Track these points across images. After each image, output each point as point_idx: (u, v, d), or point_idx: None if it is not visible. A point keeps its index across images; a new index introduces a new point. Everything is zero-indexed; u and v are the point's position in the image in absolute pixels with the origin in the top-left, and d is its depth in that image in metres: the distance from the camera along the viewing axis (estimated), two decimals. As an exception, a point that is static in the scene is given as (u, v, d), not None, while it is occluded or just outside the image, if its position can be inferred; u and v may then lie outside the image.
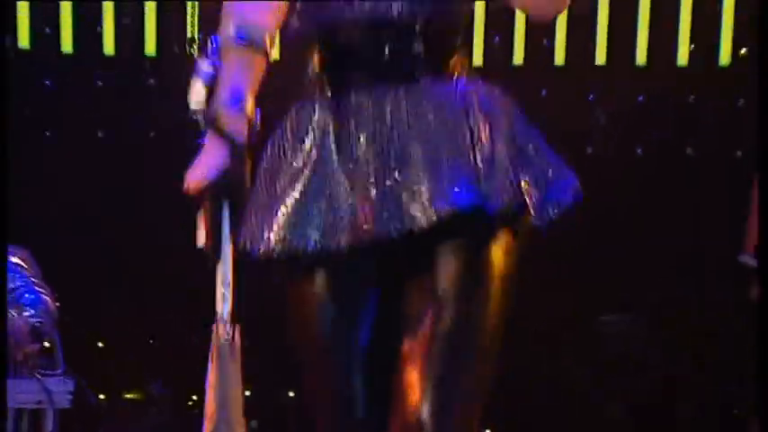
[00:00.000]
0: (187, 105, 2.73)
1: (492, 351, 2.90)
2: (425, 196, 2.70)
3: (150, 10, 8.36)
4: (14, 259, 6.17)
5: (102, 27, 8.36)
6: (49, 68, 8.37)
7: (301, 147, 2.81)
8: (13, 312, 5.98)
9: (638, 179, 8.67)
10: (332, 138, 2.77)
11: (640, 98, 8.88)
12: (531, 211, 2.81)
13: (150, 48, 8.36)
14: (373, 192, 2.73)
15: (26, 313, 5.98)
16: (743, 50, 8.65)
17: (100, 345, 6.88)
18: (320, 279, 2.86)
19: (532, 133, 2.91)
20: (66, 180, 7.53)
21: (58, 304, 6.14)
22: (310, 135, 2.81)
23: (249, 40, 2.76)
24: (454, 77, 2.88)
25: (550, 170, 2.88)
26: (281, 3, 2.89)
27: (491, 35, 8.75)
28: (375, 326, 2.87)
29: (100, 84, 8.38)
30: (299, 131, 2.83)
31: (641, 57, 8.86)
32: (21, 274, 6.13)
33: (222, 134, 2.65)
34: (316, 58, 2.85)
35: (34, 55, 8.19)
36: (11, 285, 6.09)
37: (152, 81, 8.17)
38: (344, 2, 2.81)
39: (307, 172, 2.79)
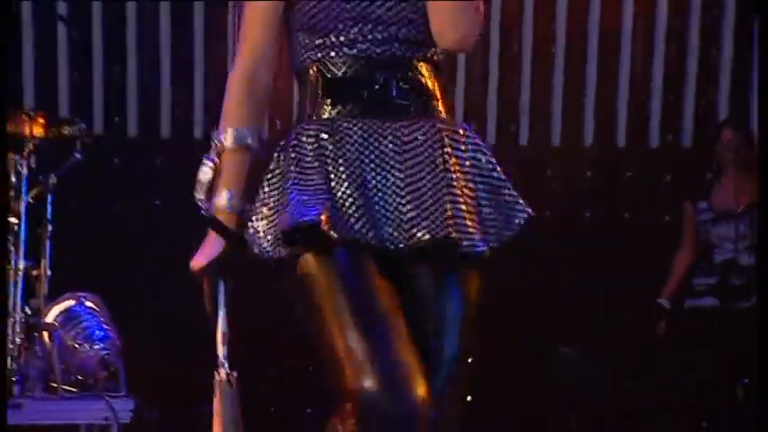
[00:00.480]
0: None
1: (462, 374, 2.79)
2: (406, 222, 2.58)
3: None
4: (88, 303, 6.22)
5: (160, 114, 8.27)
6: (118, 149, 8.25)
7: (302, 164, 2.66)
8: (86, 346, 6.05)
9: (585, 236, 8.47)
10: (329, 162, 2.63)
11: (588, 173, 8.61)
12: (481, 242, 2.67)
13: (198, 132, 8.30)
14: (370, 204, 2.60)
15: (97, 347, 6.01)
16: (670, 137, 8.46)
17: (155, 371, 6.88)
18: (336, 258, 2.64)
19: (496, 174, 2.75)
20: (129, 240, 7.64)
21: (120, 339, 6.17)
22: (310, 156, 2.66)
23: (243, 144, 2.71)
24: (438, 117, 2.73)
25: (508, 207, 2.74)
26: (267, 101, 2.85)
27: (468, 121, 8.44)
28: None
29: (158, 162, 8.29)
30: (301, 153, 2.68)
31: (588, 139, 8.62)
32: (93, 315, 6.17)
33: (217, 229, 2.70)
34: (315, 86, 2.72)
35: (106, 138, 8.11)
36: (85, 324, 6.15)
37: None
38: (344, 39, 2.68)
39: (311, 177, 2.63)
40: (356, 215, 2.58)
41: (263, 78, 2.78)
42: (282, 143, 2.75)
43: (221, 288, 2.73)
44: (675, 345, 7.32)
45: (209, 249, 2.70)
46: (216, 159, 2.72)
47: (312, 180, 2.61)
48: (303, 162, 2.64)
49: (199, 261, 2.70)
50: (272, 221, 2.68)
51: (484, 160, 2.74)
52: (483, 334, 7.45)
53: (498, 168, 2.74)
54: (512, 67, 8.44)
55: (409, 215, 2.58)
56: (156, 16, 8.15)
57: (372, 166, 2.61)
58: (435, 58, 2.76)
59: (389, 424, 2.51)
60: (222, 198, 2.70)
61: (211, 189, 2.72)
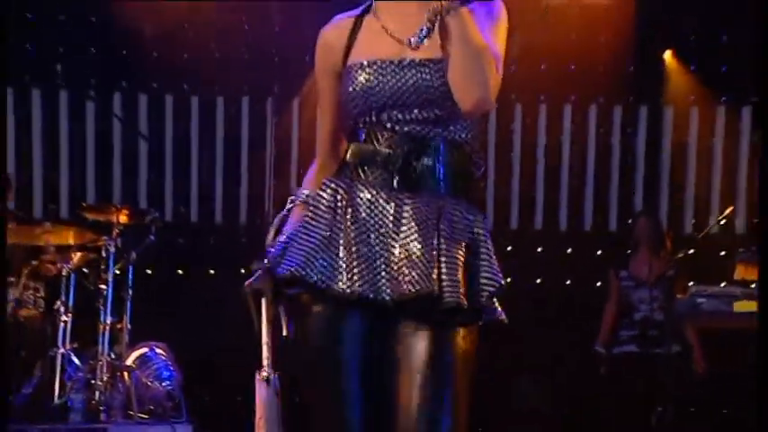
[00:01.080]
0: None
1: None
2: (397, 279, 2.32)
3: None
4: (158, 350, 6.23)
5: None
6: (182, 232, 8.22)
7: (325, 214, 2.44)
8: (156, 383, 6.04)
9: (538, 295, 8.25)
10: (348, 216, 2.40)
11: (539, 249, 8.40)
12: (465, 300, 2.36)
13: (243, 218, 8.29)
14: (365, 260, 2.36)
15: (164, 383, 6.02)
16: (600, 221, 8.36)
17: (209, 401, 6.86)
18: (324, 313, 2.45)
19: (486, 247, 2.46)
20: (190, 300, 7.60)
21: (181, 376, 6.18)
22: (332, 209, 2.44)
23: (301, 200, 2.53)
24: (444, 192, 2.43)
25: (489, 272, 2.44)
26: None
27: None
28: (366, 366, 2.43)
29: (212, 241, 8.27)
30: (318, 202, 2.46)
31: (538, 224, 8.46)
32: (161, 359, 6.17)
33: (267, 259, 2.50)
34: (348, 149, 2.49)
35: (173, 224, 8.12)
36: (155, 366, 6.15)
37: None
38: (372, 119, 2.44)
39: (327, 233, 2.42)
40: (349, 271, 2.37)
41: (332, 167, 2.55)
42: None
43: (263, 303, 2.52)
44: (608, 379, 7.17)
45: (261, 274, 2.50)
46: (286, 213, 2.56)
47: (319, 230, 2.42)
48: (318, 211, 2.45)
49: (249, 283, 2.51)
50: (278, 258, 2.49)
51: (479, 233, 2.45)
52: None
53: (489, 241, 2.48)
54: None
55: (401, 273, 2.33)
56: (212, 126, 8.28)
57: (374, 228, 2.38)
58: (456, 137, 2.47)
59: None
60: (270, 235, 2.56)
61: (277, 232, 2.56)
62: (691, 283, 6.08)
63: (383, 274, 2.34)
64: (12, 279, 6.21)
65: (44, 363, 6.06)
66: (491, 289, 2.43)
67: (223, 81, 8.13)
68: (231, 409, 6.65)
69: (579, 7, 7.84)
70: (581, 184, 8.36)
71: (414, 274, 2.33)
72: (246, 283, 2.51)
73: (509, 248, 8.20)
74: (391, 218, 2.38)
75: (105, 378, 5.92)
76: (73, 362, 6.01)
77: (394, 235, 2.37)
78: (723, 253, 6.23)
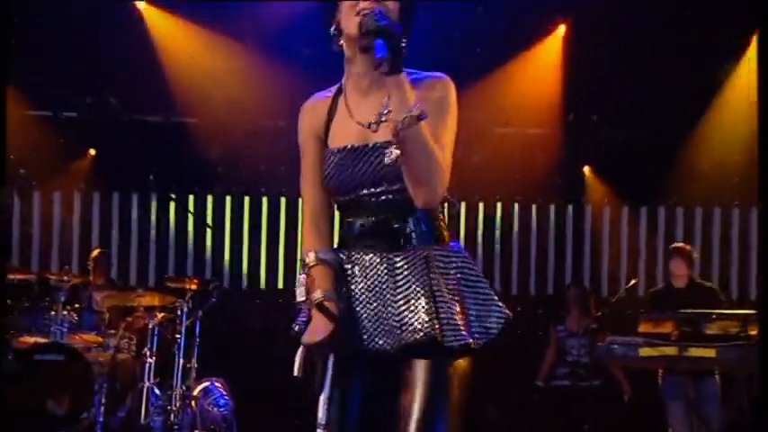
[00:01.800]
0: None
1: None
2: (397, 329, 2.05)
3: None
4: (217, 383, 6.11)
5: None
6: (237, 296, 8.16)
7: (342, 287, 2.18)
8: (215, 409, 5.94)
9: (498, 347, 8.06)
10: (354, 285, 2.15)
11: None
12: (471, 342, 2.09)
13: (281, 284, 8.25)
14: (365, 319, 2.12)
15: (221, 409, 5.93)
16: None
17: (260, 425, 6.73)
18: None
19: (479, 285, 2.18)
20: (244, 348, 7.49)
21: (235, 404, 6.11)
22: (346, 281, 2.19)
23: (320, 259, 2.14)
24: (430, 244, 2.15)
25: (484, 313, 2.15)
26: (330, 229, 2.28)
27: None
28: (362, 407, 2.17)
29: (258, 302, 8.16)
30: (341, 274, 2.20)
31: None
32: (220, 391, 6.06)
33: (322, 311, 2.07)
34: (342, 224, 2.23)
35: (231, 290, 8.09)
36: (215, 396, 6.04)
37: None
38: (354, 197, 2.15)
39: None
40: (352, 331, 2.12)
41: (320, 217, 2.25)
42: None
43: (330, 360, 2.09)
44: (544, 406, 7.12)
45: (319, 329, 2.08)
46: (305, 273, 2.16)
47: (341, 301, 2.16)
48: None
49: (313, 338, 2.08)
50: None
51: (471, 273, 2.18)
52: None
53: (483, 278, 2.21)
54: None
55: (399, 323, 2.06)
56: (258, 220, 8.26)
57: (370, 288, 2.11)
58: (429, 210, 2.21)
59: None
60: (317, 293, 2.10)
61: (308, 292, 2.14)
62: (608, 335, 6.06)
63: (388, 327, 2.07)
64: (112, 331, 6.18)
65: (134, 393, 5.98)
66: (502, 321, 2.16)
67: (266, 185, 8.16)
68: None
69: (522, 136, 8.02)
70: (527, 260, 8.34)
71: (416, 323, 2.05)
72: (312, 337, 2.10)
73: None
74: (385, 276, 2.10)
75: (178, 405, 5.85)
76: (155, 392, 5.90)
77: (392, 290, 2.09)
78: (629, 312, 6.19)
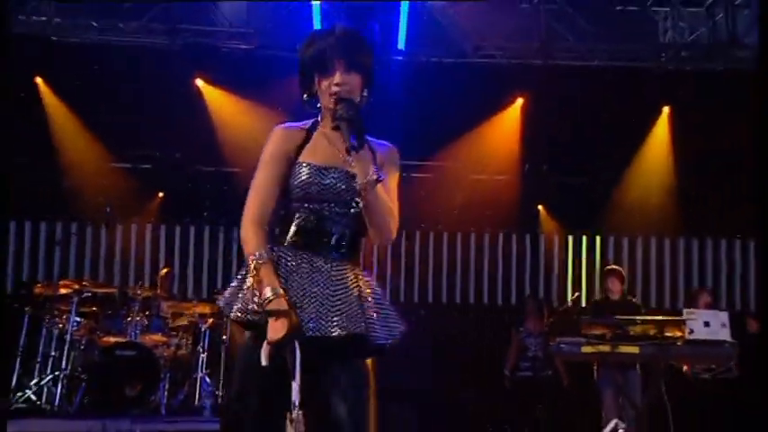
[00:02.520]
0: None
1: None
2: (330, 324, 1.89)
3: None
4: None
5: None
6: None
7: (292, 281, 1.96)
8: None
9: (475, 347, 7.87)
10: (286, 275, 1.93)
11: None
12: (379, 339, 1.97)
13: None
14: (311, 310, 1.89)
15: None
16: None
17: None
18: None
19: (385, 302, 2.03)
20: None
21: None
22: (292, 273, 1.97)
23: (265, 259, 1.89)
24: (355, 262, 2.02)
25: (392, 319, 2.01)
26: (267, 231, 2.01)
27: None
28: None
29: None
30: (288, 270, 1.98)
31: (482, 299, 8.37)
32: None
33: (282, 312, 1.83)
34: (288, 225, 2.01)
35: None
36: None
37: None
38: (310, 206, 1.99)
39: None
40: (307, 314, 1.91)
41: (266, 221, 2.00)
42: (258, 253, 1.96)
43: (297, 348, 1.84)
44: (511, 391, 7.02)
45: (278, 326, 1.83)
46: (254, 271, 1.90)
47: (291, 293, 1.93)
48: (289, 277, 1.97)
49: (276, 335, 1.82)
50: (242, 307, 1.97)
51: (379, 292, 2.04)
52: (424, 379, 6.71)
53: (386, 297, 2.07)
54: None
55: (333, 320, 1.89)
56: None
57: (313, 286, 1.92)
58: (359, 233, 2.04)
59: None
60: (268, 292, 1.85)
61: (257, 295, 1.89)
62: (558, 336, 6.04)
63: (320, 322, 1.89)
64: (173, 333, 6.17)
65: (190, 381, 6.02)
66: (397, 332, 2.02)
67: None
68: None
69: (491, 181, 7.98)
70: (495, 277, 8.26)
71: (344, 320, 1.90)
72: (275, 335, 1.83)
73: (456, 316, 8.06)
74: (326, 276, 1.94)
75: (223, 391, 5.86)
76: (206, 381, 5.90)
77: (332, 289, 1.93)
78: (574, 318, 6.18)
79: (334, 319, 1.90)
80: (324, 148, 2.04)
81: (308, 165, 2.02)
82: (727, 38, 7.44)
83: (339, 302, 1.93)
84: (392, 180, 2.08)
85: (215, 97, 7.48)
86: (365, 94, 2.09)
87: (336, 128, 1.99)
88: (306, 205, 2.01)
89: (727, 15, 7.45)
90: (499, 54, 7.78)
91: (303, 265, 1.96)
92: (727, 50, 7.47)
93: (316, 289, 1.94)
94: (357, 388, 1.97)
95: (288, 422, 1.81)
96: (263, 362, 1.84)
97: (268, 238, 1.99)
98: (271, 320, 1.85)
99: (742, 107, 7.38)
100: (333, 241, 2.00)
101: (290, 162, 2.03)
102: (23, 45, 7.24)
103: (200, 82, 7.52)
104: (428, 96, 7.57)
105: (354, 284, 1.99)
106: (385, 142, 2.15)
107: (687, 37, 7.69)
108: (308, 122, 2.12)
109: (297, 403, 1.82)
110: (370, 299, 2.00)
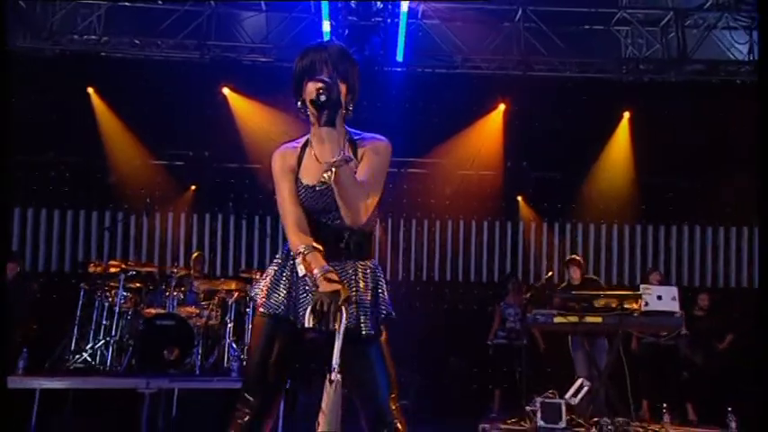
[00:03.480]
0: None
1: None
2: (327, 321, 1.83)
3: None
4: None
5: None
6: None
7: (282, 275, 1.99)
8: None
9: (463, 317, 7.81)
10: (294, 277, 1.94)
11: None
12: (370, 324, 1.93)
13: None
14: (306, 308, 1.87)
15: None
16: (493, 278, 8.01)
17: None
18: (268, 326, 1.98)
19: (381, 283, 2.01)
20: None
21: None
22: (287, 272, 1.98)
23: (309, 250, 1.89)
24: (361, 259, 1.99)
25: (382, 306, 1.98)
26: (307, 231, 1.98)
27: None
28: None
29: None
30: (281, 268, 2.01)
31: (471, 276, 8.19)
32: None
33: (327, 278, 1.84)
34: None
35: None
36: None
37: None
38: (315, 218, 1.97)
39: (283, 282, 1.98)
40: (302, 311, 1.92)
41: (303, 225, 1.97)
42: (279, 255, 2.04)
43: (343, 315, 1.81)
44: (494, 357, 6.99)
45: (330, 288, 1.84)
46: (302, 258, 1.88)
47: (283, 287, 1.97)
48: (279, 274, 2.00)
49: (326, 301, 1.82)
50: (262, 295, 2.01)
51: (378, 278, 2.00)
52: (418, 345, 6.69)
53: (385, 287, 2.02)
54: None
55: (330, 317, 1.84)
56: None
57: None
58: (368, 229, 2.02)
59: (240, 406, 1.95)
60: (318, 269, 1.86)
61: (308, 270, 1.88)
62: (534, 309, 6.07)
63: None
64: (205, 305, 6.08)
65: (219, 347, 5.91)
66: (385, 313, 1.98)
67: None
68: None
69: (477, 176, 7.91)
70: (481, 258, 8.12)
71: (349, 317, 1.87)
72: (330, 302, 1.82)
73: (447, 291, 8.05)
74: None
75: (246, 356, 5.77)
76: (233, 346, 5.83)
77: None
78: (547, 293, 6.22)
79: (330, 316, 1.83)
80: (313, 167, 1.97)
81: (305, 186, 2.00)
82: (678, 53, 7.54)
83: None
84: (367, 165, 1.96)
85: (239, 103, 7.48)
86: (350, 107, 1.99)
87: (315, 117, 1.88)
88: (311, 216, 1.98)
89: (677, 34, 7.54)
90: (484, 65, 7.88)
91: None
92: (679, 64, 7.58)
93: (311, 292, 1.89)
94: (377, 383, 1.92)
95: (327, 383, 1.74)
96: (308, 324, 1.80)
97: (307, 236, 1.96)
98: (322, 286, 1.83)
99: (691, 112, 7.52)
100: (342, 244, 1.97)
101: (295, 175, 2.02)
102: (77, 61, 7.43)
103: (226, 90, 7.55)
104: (423, 102, 7.69)
105: (354, 283, 1.95)
106: (377, 136, 2.04)
107: (645, 52, 7.77)
108: (301, 140, 2.06)
109: (336, 365, 1.75)
110: (363, 294, 1.94)
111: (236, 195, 7.91)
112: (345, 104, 1.97)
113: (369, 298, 1.97)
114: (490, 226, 8.18)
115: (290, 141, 2.07)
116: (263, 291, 2.01)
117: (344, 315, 1.82)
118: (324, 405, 1.72)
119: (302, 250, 1.92)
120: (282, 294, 1.97)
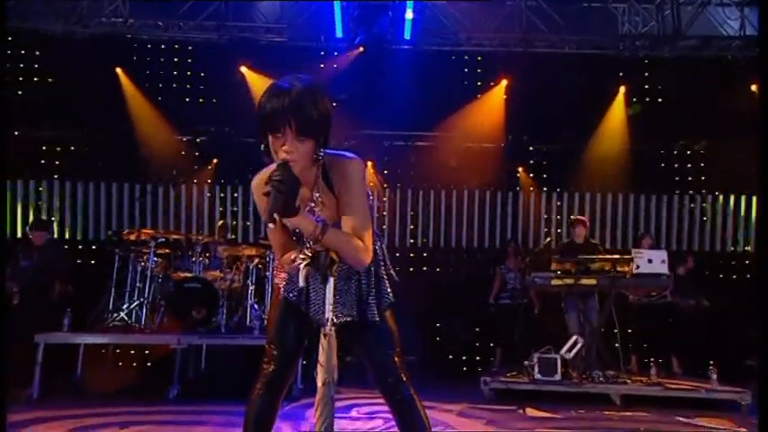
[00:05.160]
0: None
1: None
2: (345, 309, 1.85)
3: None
4: None
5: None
6: None
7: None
8: None
9: (467, 280, 7.76)
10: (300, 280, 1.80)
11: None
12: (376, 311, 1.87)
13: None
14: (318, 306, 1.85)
15: None
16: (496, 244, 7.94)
17: None
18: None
19: (384, 268, 1.93)
20: None
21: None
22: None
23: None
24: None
25: (384, 293, 1.89)
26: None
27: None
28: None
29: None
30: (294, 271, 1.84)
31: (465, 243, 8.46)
32: None
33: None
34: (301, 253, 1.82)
35: None
36: None
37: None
38: (303, 240, 1.82)
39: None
40: (313, 306, 1.88)
41: (287, 256, 1.80)
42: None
43: (330, 281, 1.74)
44: (495, 316, 6.97)
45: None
46: (301, 258, 1.78)
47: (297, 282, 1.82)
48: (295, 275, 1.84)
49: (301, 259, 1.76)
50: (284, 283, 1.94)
51: (382, 272, 1.92)
52: (424, 305, 6.77)
53: (386, 266, 1.95)
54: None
55: (337, 306, 1.80)
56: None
57: (320, 284, 1.82)
58: None
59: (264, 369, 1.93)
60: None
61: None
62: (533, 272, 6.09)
63: (323, 309, 1.78)
64: (228, 270, 5.99)
65: (242, 307, 5.76)
66: (388, 300, 1.92)
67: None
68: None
69: (480, 149, 7.86)
70: (483, 225, 8.10)
71: (344, 310, 1.85)
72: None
73: (451, 256, 8.05)
74: (330, 281, 1.76)
75: (267, 316, 5.79)
76: (254, 307, 5.77)
77: (339, 290, 1.83)
78: (546, 258, 6.24)
79: (336, 307, 1.77)
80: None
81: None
82: (673, 30, 7.39)
83: (338, 296, 1.81)
84: (348, 195, 1.78)
85: (256, 81, 7.37)
86: (319, 154, 1.74)
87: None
88: (297, 240, 1.86)
89: (672, 11, 7.38)
90: (487, 43, 7.77)
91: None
92: (673, 40, 7.43)
93: (321, 288, 1.81)
94: (380, 343, 1.91)
95: (322, 337, 1.71)
96: (301, 283, 1.78)
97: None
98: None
99: (684, 86, 7.42)
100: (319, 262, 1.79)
101: None
102: (105, 43, 7.41)
103: (244, 69, 7.48)
104: (429, 78, 7.59)
105: (355, 276, 1.87)
106: (345, 154, 1.82)
107: (641, 29, 7.62)
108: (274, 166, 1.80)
109: (329, 321, 1.72)
110: (365, 285, 1.88)
111: (254, 168, 7.87)
112: (315, 153, 1.73)
113: (372, 294, 1.89)
114: (492, 195, 8.10)
115: (268, 167, 1.81)
116: (284, 281, 1.94)
117: (331, 281, 1.73)
118: (321, 358, 1.69)
119: (295, 257, 1.79)
120: (299, 288, 1.88)
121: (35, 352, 4.82)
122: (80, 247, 7.51)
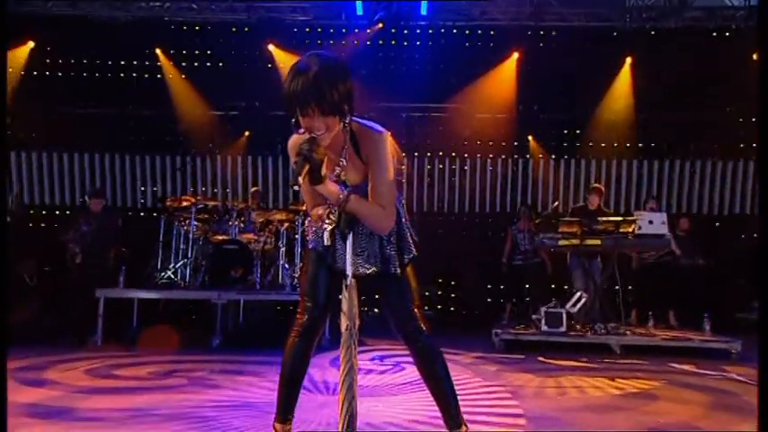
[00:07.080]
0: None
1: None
2: (368, 262, 1.86)
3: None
4: None
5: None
6: None
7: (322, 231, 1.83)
8: None
9: (482, 240, 7.89)
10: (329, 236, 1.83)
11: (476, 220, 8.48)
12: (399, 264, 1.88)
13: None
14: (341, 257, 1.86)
15: None
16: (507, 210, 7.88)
17: None
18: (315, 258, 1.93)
19: (405, 230, 1.92)
20: None
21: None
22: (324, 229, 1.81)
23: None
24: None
25: (406, 249, 1.89)
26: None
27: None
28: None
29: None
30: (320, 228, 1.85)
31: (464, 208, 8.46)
32: None
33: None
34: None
35: None
36: None
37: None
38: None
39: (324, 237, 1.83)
40: (339, 259, 1.87)
41: (315, 210, 1.86)
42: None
43: (351, 234, 1.81)
44: (508, 276, 6.91)
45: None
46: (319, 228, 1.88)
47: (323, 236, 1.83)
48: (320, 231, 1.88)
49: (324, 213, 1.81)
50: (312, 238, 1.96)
51: (403, 223, 1.91)
52: (442, 265, 6.81)
53: (408, 225, 1.94)
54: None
55: (358, 261, 1.85)
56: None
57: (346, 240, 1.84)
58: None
59: (303, 321, 1.93)
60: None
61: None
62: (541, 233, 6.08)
63: (354, 261, 1.84)
64: (261, 233, 5.95)
65: (275, 267, 5.85)
66: (410, 255, 1.91)
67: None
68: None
69: (493, 119, 7.80)
70: (496, 190, 8.04)
71: (369, 263, 1.87)
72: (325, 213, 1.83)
73: (466, 219, 8.05)
74: (350, 238, 1.83)
75: (297, 274, 5.45)
76: (285, 266, 5.77)
77: (359, 240, 1.86)
78: (554, 220, 6.23)
79: (359, 260, 1.85)
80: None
81: None
82: (679, 1, 7.17)
83: (360, 249, 1.86)
84: (375, 164, 1.78)
85: (283, 58, 7.38)
86: (346, 123, 1.76)
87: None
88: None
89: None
90: (500, 17, 7.62)
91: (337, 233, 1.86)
92: (679, 11, 7.21)
93: (344, 244, 1.85)
94: (401, 294, 1.91)
95: (343, 287, 1.76)
96: (326, 242, 1.82)
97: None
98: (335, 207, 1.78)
99: (690, 57, 7.19)
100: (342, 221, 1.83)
101: None
102: (146, 25, 7.47)
103: (271, 47, 7.49)
104: (444, 52, 7.57)
105: (377, 238, 1.87)
106: (374, 126, 1.81)
107: (647, 0, 7.36)
108: None
109: (350, 273, 1.77)
110: (386, 241, 1.87)
111: (283, 139, 7.73)
112: (342, 123, 1.74)
113: (395, 249, 1.89)
114: (504, 163, 8.06)
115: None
116: (312, 234, 1.98)
117: (351, 235, 1.79)
118: (344, 307, 1.74)
119: (322, 212, 1.83)
120: (325, 239, 1.88)
121: (96, 305, 5.03)
122: (130, 213, 7.68)
